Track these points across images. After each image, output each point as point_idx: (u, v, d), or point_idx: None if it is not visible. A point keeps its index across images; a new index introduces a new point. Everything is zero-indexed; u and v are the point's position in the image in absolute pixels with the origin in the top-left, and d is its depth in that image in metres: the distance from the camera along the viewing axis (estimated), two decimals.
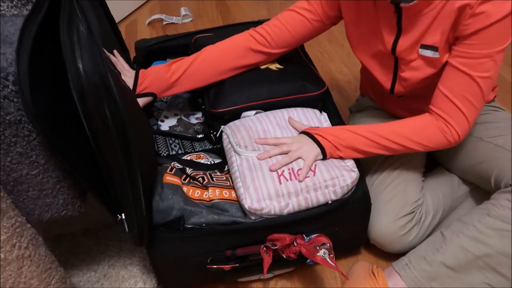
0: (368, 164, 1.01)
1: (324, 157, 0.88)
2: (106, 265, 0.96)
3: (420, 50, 0.85)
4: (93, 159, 0.65)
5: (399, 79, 0.94)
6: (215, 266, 0.87)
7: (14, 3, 0.68)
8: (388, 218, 0.93)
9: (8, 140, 0.59)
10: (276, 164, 0.86)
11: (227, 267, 0.87)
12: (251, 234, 0.85)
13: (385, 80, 0.96)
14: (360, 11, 0.91)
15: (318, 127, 0.94)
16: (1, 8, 0.68)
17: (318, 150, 0.87)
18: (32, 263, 0.62)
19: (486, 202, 0.87)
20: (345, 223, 0.91)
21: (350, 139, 0.88)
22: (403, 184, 0.96)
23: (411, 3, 0.80)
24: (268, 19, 1.04)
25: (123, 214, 0.75)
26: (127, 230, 0.75)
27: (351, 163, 0.89)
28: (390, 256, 1.00)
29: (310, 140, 0.88)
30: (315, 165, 0.86)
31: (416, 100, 0.99)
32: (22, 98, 0.56)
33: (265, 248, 0.85)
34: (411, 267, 0.87)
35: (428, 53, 0.85)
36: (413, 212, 0.94)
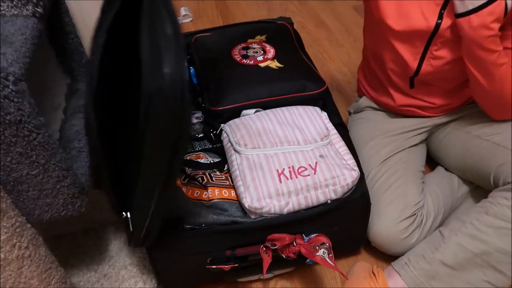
0: (368, 167, 1.01)
1: None
2: (106, 265, 0.96)
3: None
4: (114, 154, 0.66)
5: (429, 57, 0.93)
6: (215, 266, 0.87)
7: (14, 3, 0.68)
8: (389, 221, 0.93)
9: (8, 140, 0.59)
10: None
11: (226, 267, 0.87)
12: (251, 234, 0.85)
13: (411, 60, 0.95)
14: None
15: None
16: (1, 8, 0.68)
17: None
18: (32, 263, 0.62)
19: (484, 200, 0.87)
20: (344, 223, 0.91)
21: None
22: (403, 187, 0.96)
23: None
24: (268, 19, 1.04)
25: (128, 213, 0.75)
26: (131, 229, 0.75)
27: (352, 162, 0.89)
28: (390, 256, 0.99)
29: None
30: (316, 163, 0.86)
31: (427, 89, 0.99)
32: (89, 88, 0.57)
33: (264, 248, 0.85)
34: (411, 266, 0.88)
35: None
36: (414, 214, 0.94)
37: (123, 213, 0.76)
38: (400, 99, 1.04)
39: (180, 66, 0.55)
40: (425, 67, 0.94)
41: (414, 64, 0.95)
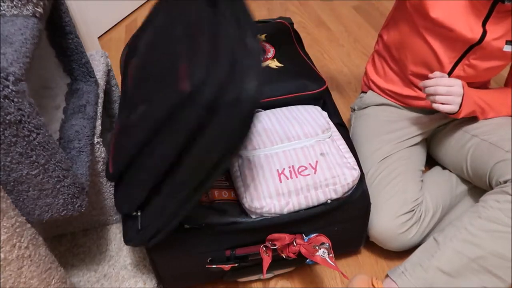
0: (369, 163, 1.02)
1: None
2: (106, 265, 0.96)
3: (506, 46, 0.88)
4: None
5: (464, 64, 0.94)
6: (215, 266, 0.87)
7: (14, 3, 0.68)
8: (388, 216, 0.93)
9: (8, 140, 0.59)
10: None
11: (226, 267, 0.87)
12: (251, 234, 0.85)
13: (447, 63, 0.96)
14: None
15: None
16: (1, 8, 0.68)
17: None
18: (32, 263, 0.62)
19: (475, 205, 0.88)
20: (344, 222, 0.91)
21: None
22: (402, 183, 0.97)
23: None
24: (268, 19, 1.03)
25: (139, 211, 0.76)
26: (139, 227, 0.75)
27: (352, 160, 0.89)
28: (390, 255, 1.00)
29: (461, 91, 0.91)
30: (317, 162, 0.86)
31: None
32: None
33: (264, 248, 0.85)
34: (407, 274, 0.87)
35: None
36: (413, 210, 0.94)
37: (135, 212, 0.76)
38: (419, 92, 1.06)
39: (260, 86, 0.54)
40: (457, 71, 0.96)
41: (447, 67, 0.96)
